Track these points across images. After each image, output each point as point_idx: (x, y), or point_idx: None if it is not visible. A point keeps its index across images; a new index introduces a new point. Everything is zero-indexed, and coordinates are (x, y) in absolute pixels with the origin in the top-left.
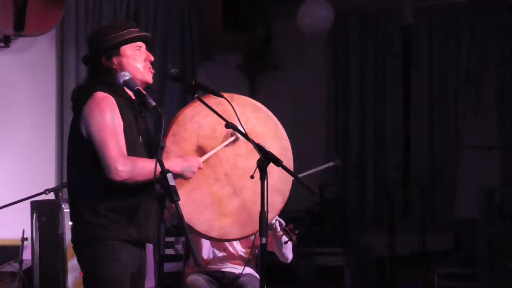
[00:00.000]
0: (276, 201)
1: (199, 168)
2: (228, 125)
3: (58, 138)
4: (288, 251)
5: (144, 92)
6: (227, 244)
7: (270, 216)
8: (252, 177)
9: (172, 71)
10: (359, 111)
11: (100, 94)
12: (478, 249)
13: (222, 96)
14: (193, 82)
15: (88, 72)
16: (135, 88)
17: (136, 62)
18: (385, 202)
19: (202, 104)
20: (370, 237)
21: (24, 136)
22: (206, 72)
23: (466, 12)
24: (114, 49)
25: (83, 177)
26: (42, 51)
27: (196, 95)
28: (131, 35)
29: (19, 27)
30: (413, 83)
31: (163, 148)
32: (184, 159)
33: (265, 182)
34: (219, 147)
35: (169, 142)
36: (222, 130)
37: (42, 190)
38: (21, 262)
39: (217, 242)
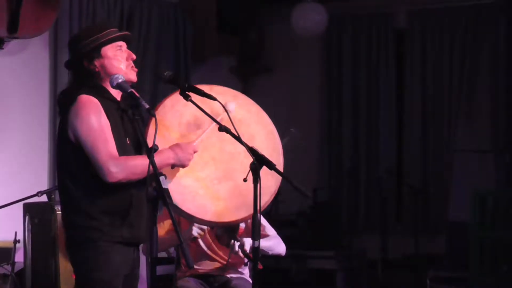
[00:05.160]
0: (270, 183)
1: (195, 152)
2: (222, 128)
3: (50, 140)
4: (275, 249)
5: (137, 94)
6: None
7: (265, 199)
8: (245, 180)
9: (165, 73)
10: (352, 114)
11: (83, 97)
12: (470, 253)
13: (216, 99)
14: (187, 85)
15: (72, 77)
16: (128, 90)
17: (118, 62)
18: (378, 205)
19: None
20: (362, 241)
21: (17, 138)
22: (200, 75)
23: (459, 16)
24: (95, 51)
25: (73, 181)
26: (35, 53)
27: (189, 97)
28: (111, 36)
29: (13, 29)
30: (407, 86)
31: (155, 150)
32: (176, 147)
33: (258, 185)
34: (212, 126)
35: (151, 130)
36: (203, 117)
37: (35, 192)
38: (13, 264)
39: (214, 226)
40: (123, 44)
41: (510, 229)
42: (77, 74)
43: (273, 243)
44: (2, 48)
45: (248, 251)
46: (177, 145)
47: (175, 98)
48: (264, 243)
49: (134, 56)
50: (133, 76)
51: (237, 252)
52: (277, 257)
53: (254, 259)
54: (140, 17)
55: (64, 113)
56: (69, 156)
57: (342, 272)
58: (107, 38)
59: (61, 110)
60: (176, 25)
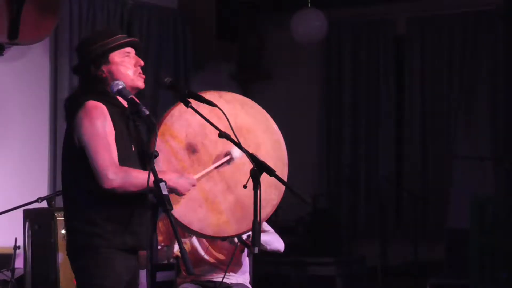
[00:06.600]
0: (273, 196)
1: (193, 185)
2: (222, 134)
3: (51, 147)
4: (273, 244)
5: (137, 101)
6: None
7: (267, 211)
8: (245, 186)
9: (165, 80)
10: (352, 121)
11: (91, 103)
12: (470, 260)
13: (216, 106)
14: (187, 91)
15: (79, 82)
16: (129, 97)
17: (126, 68)
18: (377, 212)
19: None
20: (362, 247)
21: (17, 145)
22: (199, 81)
23: (458, 23)
24: (103, 57)
25: (77, 186)
26: (35, 59)
27: (189, 104)
28: (119, 42)
29: (13, 35)
30: (406, 93)
31: (156, 156)
32: (180, 175)
33: (258, 192)
34: (212, 167)
35: (158, 141)
36: (211, 127)
37: (35, 199)
38: (13, 270)
39: (213, 240)
40: (131, 50)
41: (510, 236)
42: (84, 80)
43: (271, 237)
44: (3, 55)
45: (244, 239)
46: (180, 175)
47: (184, 108)
48: (262, 237)
49: (142, 63)
50: (140, 83)
51: (234, 242)
52: (276, 263)
53: (253, 265)
54: (140, 23)
55: (71, 118)
56: (74, 162)
57: (341, 279)
58: (115, 44)
59: (68, 116)
60: (176, 31)
